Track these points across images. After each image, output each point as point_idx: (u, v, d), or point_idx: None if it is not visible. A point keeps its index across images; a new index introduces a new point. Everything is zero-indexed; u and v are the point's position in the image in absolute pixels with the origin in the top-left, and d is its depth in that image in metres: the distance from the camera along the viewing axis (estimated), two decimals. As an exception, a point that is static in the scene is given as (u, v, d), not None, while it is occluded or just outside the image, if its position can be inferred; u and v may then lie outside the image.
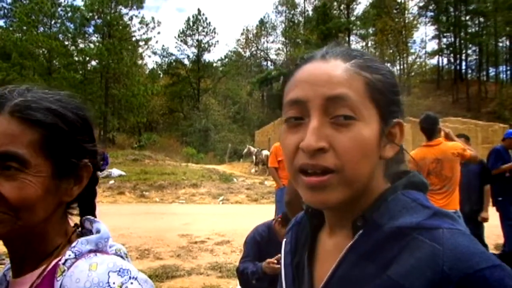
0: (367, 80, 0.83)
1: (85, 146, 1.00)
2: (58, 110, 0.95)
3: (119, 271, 0.92)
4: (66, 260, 0.92)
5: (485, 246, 6.56)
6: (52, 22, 41.71)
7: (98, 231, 1.03)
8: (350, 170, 0.80)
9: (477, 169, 6.58)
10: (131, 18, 44.31)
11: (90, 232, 1.05)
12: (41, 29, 40.97)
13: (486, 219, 6.58)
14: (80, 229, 1.08)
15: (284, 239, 1.08)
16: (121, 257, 1.03)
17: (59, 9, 41.93)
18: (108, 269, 0.91)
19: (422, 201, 0.84)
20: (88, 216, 1.09)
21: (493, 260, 0.71)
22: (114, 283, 0.89)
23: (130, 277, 0.92)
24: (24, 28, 38.09)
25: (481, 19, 56.84)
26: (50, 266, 0.95)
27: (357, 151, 0.80)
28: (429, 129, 5.48)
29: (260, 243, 4.20)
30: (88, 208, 1.11)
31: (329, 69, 0.83)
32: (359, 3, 61.56)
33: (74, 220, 1.10)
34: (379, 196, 0.87)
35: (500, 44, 61.00)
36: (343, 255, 0.84)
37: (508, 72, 63.59)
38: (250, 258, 4.11)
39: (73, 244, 0.96)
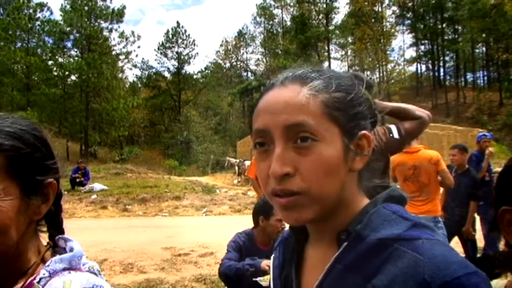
0: (325, 101, 0.85)
1: (47, 164, 1.02)
2: (16, 132, 0.97)
3: (92, 287, 0.94)
4: (40, 278, 0.94)
5: (475, 249, 6.64)
6: (30, 37, 41.37)
7: (71, 250, 1.04)
8: (316, 190, 0.84)
9: (469, 183, 6.61)
10: (110, 31, 44.13)
11: (63, 250, 1.06)
12: (19, 44, 40.59)
13: (468, 235, 6.54)
14: (52, 247, 1.09)
15: (273, 255, 1.12)
16: (95, 274, 1.04)
17: (37, 23, 41.62)
18: (81, 286, 0.93)
19: (402, 213, 0.87)
20: (62, 235, 1.10)
21: (470, 268, 0.75)
22: None
23: None
24: (2, 43, 37.70)
25: (457, 26, 57.69)
26: (25, 285, 0.95)
27: (320, 172, 0.83)
28: None
29: (242, 248, 4.21)
30: (55, 223, 1.11)
31: (286, 96, 0.86)
32: (338, 12, 61.97)
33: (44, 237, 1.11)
34: (361, 210, 0.90)
35: (477, 51, 61.97)
36: (328, 267, 0.87)
37: (485, 78, 64.64)
38: (235, 259, 4.08)
39: (47, 263, 0.97)
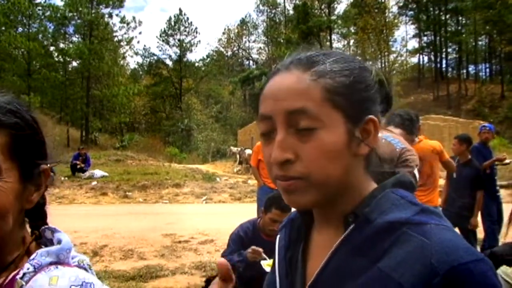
0: (326, 86, 0.85)
1: (43, 149, 0.96)
2: (16, 110, 0.91)
3: (82, 284, 0.87)
4: (24, 273, 0.86)
5: (475, 240, 6.68)
6: (31, 22, 41.04)
7: (59, 242, 0.95)
8: (316, 176, 0.84)
9: (471, 174, 6.61)
10: (111, 16, 43.78)
11: (50, 242, 0.98)
12: (20, 29, 40.32)
13: (475, 226, 6.60)
14: (37, 238, 1.00)
15: (278, 235, 1.12)
16: (85, 269, 0.97)
17: (37, 8, 41.22)
18: (69, 282, 0.86)
19: (410, 199, 0.88)
20: (49, 226, 1.02)
21: (477, 254, 0.76)
22: None
23: None
24: (2, 28, 37.43)
25: (461, 18, 57.51)
26: (7, 281, 0.88)
27: (321, 158, 0.83)
28: (409, 127, 5.56)
29: (244, 240, 4.24)
30: (40, 215, 1.03)
31: (289, 82, 0.87)
32: (340, 2, 61.71)
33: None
34: (368, 194, 0.90)
35: (480, 43, 61.79)
36: (334, 248, 0.87)
37: (487, 70, 64.53)
38: (234, 252, 4.13)
39: (32, 256, 0.89)
